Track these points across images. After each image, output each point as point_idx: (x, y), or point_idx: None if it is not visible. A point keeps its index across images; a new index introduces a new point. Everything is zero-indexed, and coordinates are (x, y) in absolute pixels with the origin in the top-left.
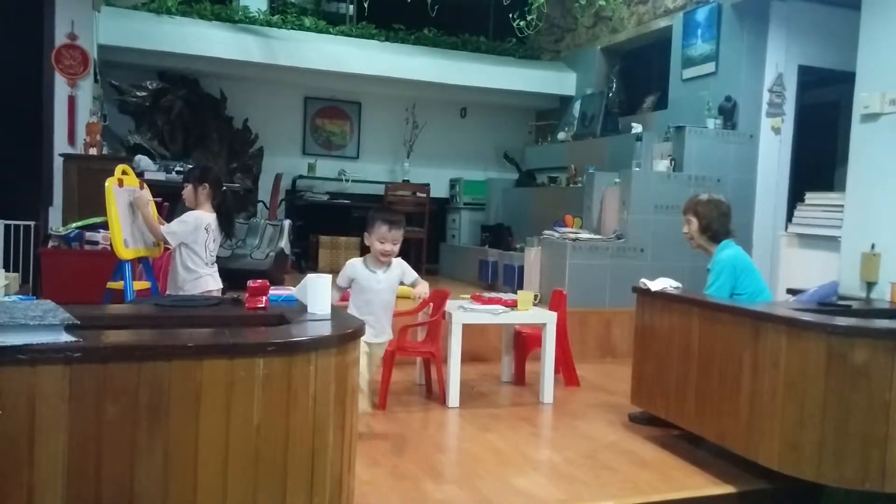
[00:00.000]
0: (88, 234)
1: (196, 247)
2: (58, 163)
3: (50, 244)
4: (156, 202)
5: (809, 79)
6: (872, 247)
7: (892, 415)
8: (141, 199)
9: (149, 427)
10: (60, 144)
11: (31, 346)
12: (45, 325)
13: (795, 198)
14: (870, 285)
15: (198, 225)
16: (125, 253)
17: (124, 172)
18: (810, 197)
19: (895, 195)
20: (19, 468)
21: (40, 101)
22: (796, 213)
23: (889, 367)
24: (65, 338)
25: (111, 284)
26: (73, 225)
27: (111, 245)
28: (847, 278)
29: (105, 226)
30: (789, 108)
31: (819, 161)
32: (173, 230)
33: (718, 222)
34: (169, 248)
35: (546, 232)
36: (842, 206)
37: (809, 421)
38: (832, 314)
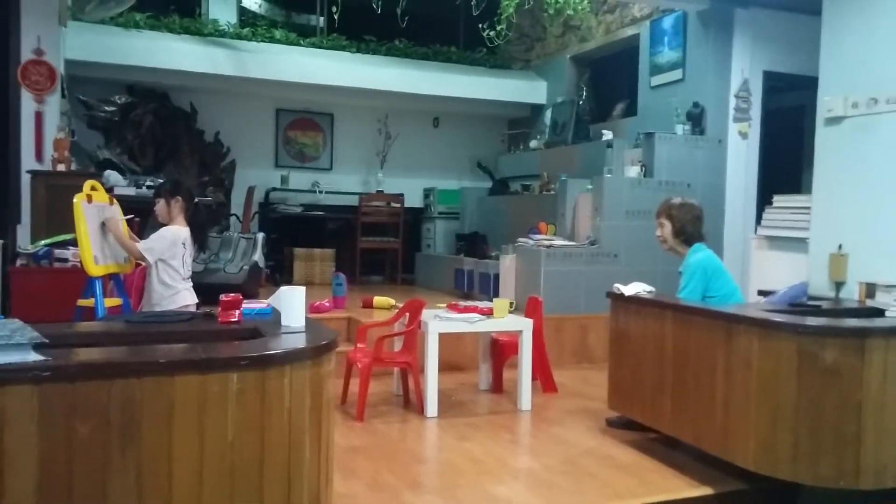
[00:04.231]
0: (58, 252)
1: (173, 262)
2: (25, 179)
3: (18, 262)
4: (128, 219)
5: (774, 84)
6: (840, 247)
7: (864, 413)
8: (112, 221)
9: (121, 446)
10: (27, 161)
11: None
12: (13, 344)
13: (764, 201)
14: (838, 285)
15: (175, 240)
16: (95, 270)
17: (93, 188)
18: (778, 200)
19: (860, 196)
20: None
21: (6, 117)
22: (765, 215)
23: (859, 366)
24: (33, 357)
25: (82, 302)
26: (42, 242)
27: (81, 262)
28: (816, 279)
29: (74, 243)
30: (756, 112)
31: (786, 164)
32: (151, 246)
33: (692, 225)
34: (141, 264)
35: (520, 239)
36: (809, 207)
37: (783, 421)
38: (802, 314)
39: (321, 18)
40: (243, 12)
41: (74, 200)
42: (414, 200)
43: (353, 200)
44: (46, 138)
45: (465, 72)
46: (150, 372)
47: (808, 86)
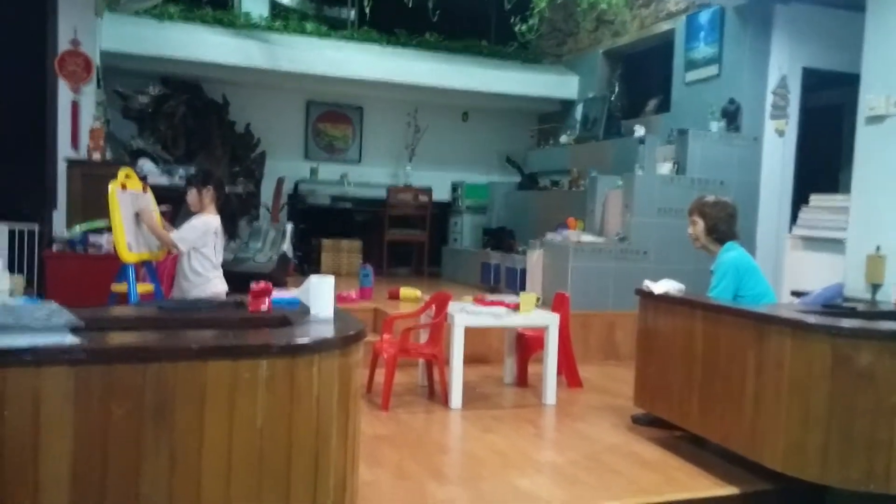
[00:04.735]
0: (92, 238)
1: (206, 250)
2: (62, 168)
3: (54, 247)
4: (161, 210)
5: (813, 81)
6: (878, 249)
7: None
8: (145, 212)
9: (154, 428)
10: (64, 149)
11: (36, 347)
12: (50, 326)
13: (799, 200)
14: (875, 287)
15: (207, 229)
16: (129, 256)
17: (127, 176)
18: (815, 199)
19: None
20: (25, 469)
21: (44, 107)
22: (801, 215)
23: (894, 370)
24: (69, 340)
25: (115, 287)
26: (78, 228)
27: (115, 248)
28: (852, 280)
29: (109, 229)
30: (793, 110)
31: (823, 163)
32: (184, 236)
33: (725, 224)
34: (173, 252)
35: (548, 235)
36: (847, 208)
37: (814, 423)
38: (837, 316)
39: (352, 11)
40: (275, 5)
41: (109, 188)
42: (442, 194)
43: (381, 193)
44: (82, 128)
45: (496, 66)
46: (184, 357)
47: (848, 83)
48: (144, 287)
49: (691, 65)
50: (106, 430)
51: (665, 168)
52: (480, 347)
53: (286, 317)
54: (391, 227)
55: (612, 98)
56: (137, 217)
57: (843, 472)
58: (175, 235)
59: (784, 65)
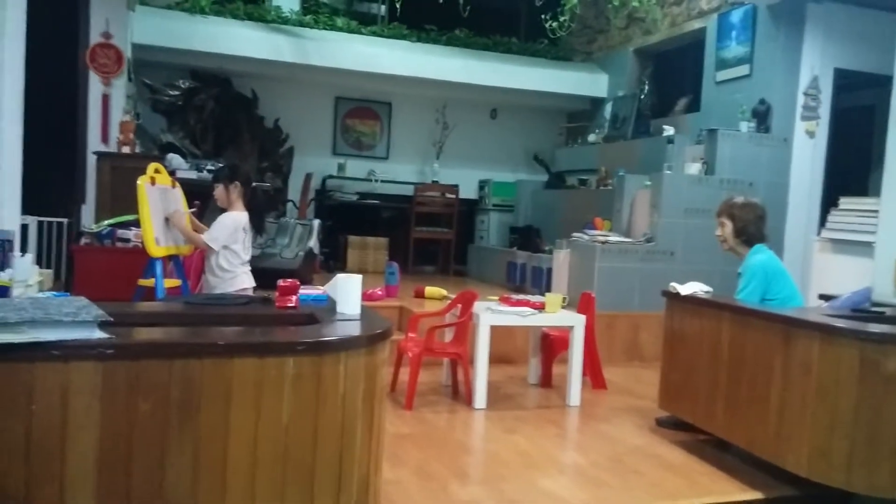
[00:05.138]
0: (120, 232)
1: (235, 247)
2: (91, 161)
3: (82, 241)
4: (191, 208)
5: (845, 82)
6: None
7: None
8: (176, 215)
9: (179, 424)
10: (94, 142)
11: (64, 342)
12: (79, 321)
13: (829, 202)
14: None
15: (236, 226)
16: (156, 251)
17: (157, 171)
18: (845, 202)
19: None
20: (52, 462)
21: (75, 100)
22: (830, 217)
23: None
24: (98, 335)
25: (142, 282)
26: (106, 222)
27: (142, 243)
28: (881, 285)
29: (137, 223)
30: (824, 111)
31: (854, 165)
32: (216, 237)
33: (754, 226)
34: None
35: (575, 234)
36: (877, 211)
37: (840, 428)
38: (865, 321)
39: (382, 7)
40: None
41: (138, 183)
42: (469, 192)
43: (408, 190)
44: (113, 121)
45: (526, 63)
46: (210, 353)
47: (880, 84)
48: (171, 282)
49: (722, 64)
50: (132, 425)
51: (694, 168)
52: (505, 347)
53: (313, 314)
54: (417, 224)
55: (642, 97)
56: (168, 223)
57: (868, 478)
58: (206, 237)
59: (816, 65)
